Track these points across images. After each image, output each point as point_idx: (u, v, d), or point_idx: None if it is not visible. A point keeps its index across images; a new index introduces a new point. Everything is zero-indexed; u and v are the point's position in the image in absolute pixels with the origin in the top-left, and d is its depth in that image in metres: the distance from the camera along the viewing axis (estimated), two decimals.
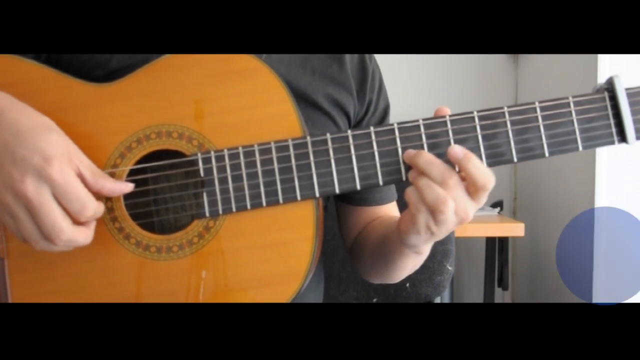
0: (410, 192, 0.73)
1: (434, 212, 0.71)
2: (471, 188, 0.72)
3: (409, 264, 0.89)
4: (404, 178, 0.75)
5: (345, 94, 0.94)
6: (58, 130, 0.71)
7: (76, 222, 0.70)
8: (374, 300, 1.47)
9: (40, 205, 0.67)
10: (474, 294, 2.46)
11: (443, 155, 0.73)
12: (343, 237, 1.07)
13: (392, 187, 1.04)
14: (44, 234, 0.68)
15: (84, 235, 0.70)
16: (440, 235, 0.74)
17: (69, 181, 0.68)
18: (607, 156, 1.76)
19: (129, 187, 0.74)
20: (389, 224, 0.91)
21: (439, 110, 0.76)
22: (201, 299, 0.76)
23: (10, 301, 0.76)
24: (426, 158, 0.72)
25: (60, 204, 0.68)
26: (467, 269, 2.47)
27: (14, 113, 0.70)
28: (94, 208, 0.70)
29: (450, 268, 1.43)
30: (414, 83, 2.43)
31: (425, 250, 0.83)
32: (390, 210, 1.03)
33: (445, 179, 0.71)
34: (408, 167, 0.74)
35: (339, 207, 1.05)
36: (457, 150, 0.72)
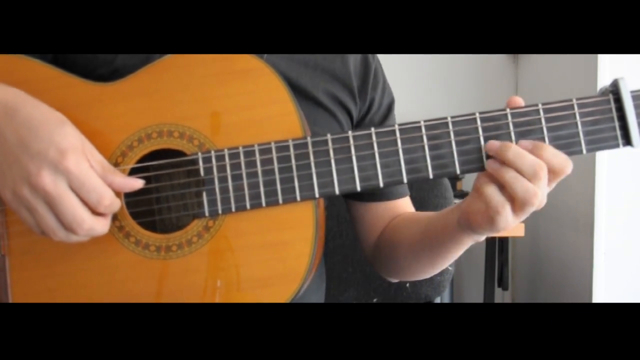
0: (486, 185, 0.72)
1: (523, 205, 0.70)
2: (550, 175, 0.71)
3: (457, 255, 0.89)
4: (404, 180, 0.74)
5: (345, 92, 0.94)
6: (70, 124, 0.72)
7: (94, 212, 0.70)
8: (374, 300, 1.47)
9: (60, 197, 0.68)
10: (474, 294, 2.46)
11: (446, 157, 0.73)
12: (362, 239, 1.05)
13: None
14: (64, 224, 0.69)
15: (102, 224, 0.71)
16: (515, 224, 0.73)
17: (85, 173, 0.69)
18: (607, 156, 1.76)
19: (138, 183, 0.74)
20: (428, 221, 0.90)
21: (511, 100, 0.75)
22: (200, 298, 0.76)
23: (10, 298, 0.76)
24: (516, 151, 0.71)
25: (77, 195, 0.69)
26: (467, 269, 2.47)
27: (28, 108, 0.71)
28: (111, 197, 0.71)
29: (450, 268, 1.43)
30: (414, 83, 2.43)
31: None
32: (406, 204, 1.02)
33: (538, 171, 0.70)
34: (408, 169, 0.74)
35: (352, 207, 1.03)
36: (525, 142, 0.72)
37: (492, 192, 0.72)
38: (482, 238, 0.82)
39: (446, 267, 1.42)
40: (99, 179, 0.70)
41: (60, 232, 0.70)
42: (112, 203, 0.71)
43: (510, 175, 0.71)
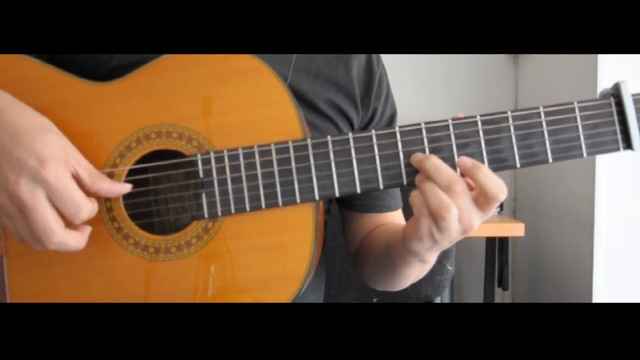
0: (414, 196, 0.71)
1: (436, 218, 0.69)
2: (481, 198, 0.70)
3: (414, 273, 0.88)
4: (405, 182, 0.74)
5: (347, 101, 0.94)
6: (56, 131, 0.71)
7: (70, 225, 0.70)
8: (374, 300, 1.47)
9: (33, 207, 0.67)
10: (474, 294, 2.46)
11: (446, 160, 0.72)
12: (346, 243, 1.06)
13: (397, 195, 1.03)
14: (35, 235, 0.68)
15: (76, 240, 0.70)
16: (444, 244, 0.72)
17: (64, 184, 0.68)
18: (607, 157, 1.76)
19: (126, 187, 0.74)
20: (394, 231, 0.90)
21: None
22: (199, 299, 0.76)
23: (8, 299, 0.76)
24: (434, 162, 0.71)
25: (55, 206, 0.68)
26: (467, 269, 2.47)
27: (11, 113, 0.70)
28: (89, 210, 0.70)
29: (450, 268, 1.43)
30: (414, 83, 2.43)
31: (431, 259, 0.81)
32: (395, 218, 1.02)
33: (452, 184, 0.69)
34: (409, 171, 0.74)
35: (342, 214, 1.04)
36: (465, 159, 0.71)
37: (415, 196, 0.71)
38: (427, 261, 0.80)
39: (446, 267, 1.43)
40: (78, 190, 0.69)
41: (33, 242, 0.69)
42: (91, 215, 0.70)
43: (427, 186, 0.70)
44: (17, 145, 0.67)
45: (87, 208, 0.70)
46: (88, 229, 0.72)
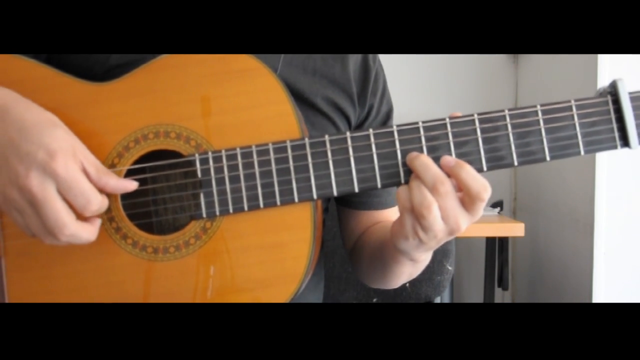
0: (400, 191, 0.72)
1: (417, 216, 0.70)
2: (465, 198, 0.70)
3: (405, 271, 0.88)
4: (402, 181, 0.74)
5: (344, 97, 0.94)
6: (63, 126, 0.71)
7: (81, 217, 0.70)
8: (374, 300, 1.47)
9: (44, 200, 0.67)
10: (474, 294, 2.46)
11: None
12: (343, 240, 1.07)
13: (394, 192, 1.03)
14: (47, 228, 0.68)
15: (87, 232, 0.70)
16: (430, 243, 0.72)
17: (73, 176, 0.68)
18: (607, 156, 1.76)
19: (133, 185, 0.74)
20: (388, 229, 0.91)
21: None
22: (198, 299, 0.76)
23: (6, 299, 0.76)
24: (422, 161, 0.71)
25: (65, 199, 0.68)
26: (467, 269, 2.47)
27: (19, 109, 0.70)
28: (99, 203, 0.70)
29: (450, 268, 1.43)
30: (414, 83, 2.43)
31: (421, 258, 0.81)
32: (391, 214, 1.02)
33: (437, 184, 0.69)
34: (407, 170, 0.74)
35: (339, 211, 1.05)
36: (448, 158, 0.71)
37: (400, 191, 0.72)
38: (417, 260, 0.80)
39: (446, 267, 1.42)
40: (87, 183, 0.69)
41: (45, 235, 0.69)
42: (100, 208, 0.71)
43: (414, 183, 0.71)
44: (25, 140, 0.67)
45: (97, 200, 0.70)
46: (98, 221, 0.72)
